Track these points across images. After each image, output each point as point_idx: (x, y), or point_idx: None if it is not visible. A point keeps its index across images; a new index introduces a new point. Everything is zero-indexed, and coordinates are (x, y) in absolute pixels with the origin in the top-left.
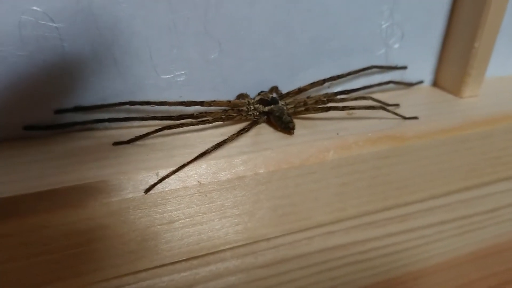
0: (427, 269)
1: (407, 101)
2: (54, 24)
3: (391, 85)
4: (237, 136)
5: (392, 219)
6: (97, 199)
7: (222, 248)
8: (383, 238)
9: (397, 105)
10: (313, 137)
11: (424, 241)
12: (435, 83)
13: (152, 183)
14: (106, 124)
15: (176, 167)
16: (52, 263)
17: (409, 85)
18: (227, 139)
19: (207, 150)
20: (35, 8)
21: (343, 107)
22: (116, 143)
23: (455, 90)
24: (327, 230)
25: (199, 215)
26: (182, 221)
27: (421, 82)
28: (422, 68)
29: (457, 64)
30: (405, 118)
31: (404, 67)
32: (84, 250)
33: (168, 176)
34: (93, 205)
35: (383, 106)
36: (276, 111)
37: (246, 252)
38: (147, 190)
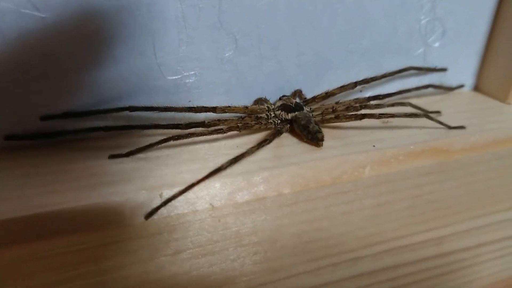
0: None
1: (448, 108)
2: (39, 14)
3: (429, 90)
4: (258, 149)
5: (428, 241)
6: (89, 227)
7: (237, 281)
8: (416, 263)
9: (438, 112)
10: (346, 150)
11: (462, 265)
12: (477, 88)
13: (155, 206)
14: (102, 133)
15: (184, 187)
16: None
17: (449, 89)
18: (245, 152)
19: (222, 166)
20: None
21: (380, 114)
22: (112, 156)
23: (501, 95)
24: (354, 255)
25: (211, 244)
26: (191, 251)
27: (461, 86)
28: (462, 70)
29: (504, 66)
30: (450, 127)
31: (444, 69)
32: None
33: (174, 197)
34: (83, 234)
35: (427, 113)
36: (302, 118)
37: (264, 282)
38: (148, 215)
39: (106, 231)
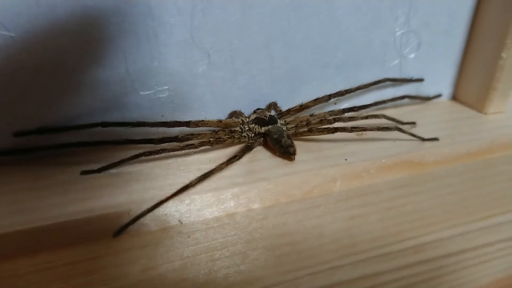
0: None
1: (424, 118)
2: (8, 33)
3: (405, 100)
4: (227, 165)
5: (407, 249)
6: (57, 245)
7: None
8: (394, 271)
9: (413, 123)
10: (318, 163)
11: (440, 272)
12: (455, 97)
13: (123, 224)
14: (75, 149)
15: (152, 204)
16: None
17: (426, 99)
18: (214, 169)
19: (190, 183)
20: None
21: (352, 128)
22: (84, 172)
23: (478, 105)
24: (331, 265)
25: (182, 259)
26: (162, 267)
27: (439, 96)
28: (440, 80)
29: (481, 76)
30: (423, 139)
31: (420, 80)
32: None
33: (142, 215)
34: (52, 252)
35: (398, 126)
36: (274, 132)
37: None
38: (117, 233)
39: (75, 249)
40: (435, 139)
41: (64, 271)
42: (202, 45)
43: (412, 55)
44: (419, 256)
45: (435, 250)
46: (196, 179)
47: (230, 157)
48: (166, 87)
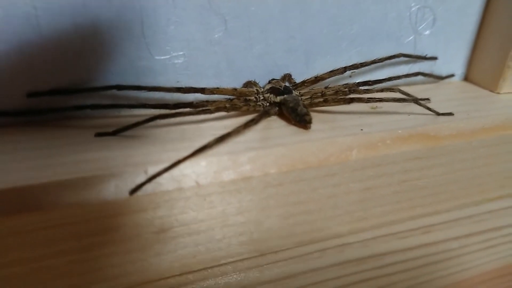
0: (450, 285)
1: (437, 96)
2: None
3: (419, 78)
4: (244, 128)
5: (415, 230)
6: (70, 201)
7: (223, 262)
8: (403, 252)
9: (427, 99)
10: (333, 133)
11: (448, 256)
12: (466, 78)
13: (139, 182)
14: (88, 111)
15: (170, 164)
16: (9, 279)
17: (439, 78)
18: (232, 131)
19: (208, 143)
20: None
21: (368, 98)
22: (98, 134)
23: (491, 85)
24: (342, 241)
25: (196, 223)
26: (176, 229)
27: (452, 75)
28: (453, 59)
29: (495, 55)
30: (438, 114)
31: (434, 58)
32: (51, 264)
33: (159, 174)
34: (64, 208)
35: (416, 99)
36: (290, 101)
37: (250, 266)
38: (133, 191)
39: (89, 207)
40: (450, 114)
41: (78, 229)
42: (219, 11)
43: (427, 32)
44: (426, 237)
45: (443, 232)
46: (213, 140)
47: (248, 120)
48: (181, 53)
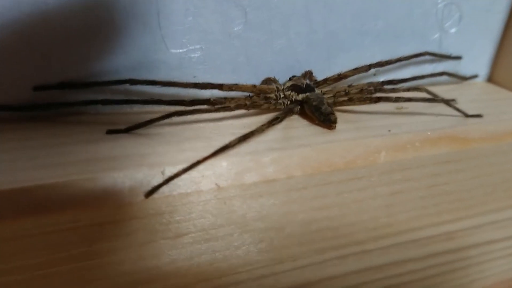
0: None
1: (461, 97)
2: None
3: (442, 78)
4: (268, 127)
5: (438, 236)
6: (82, 204)
7: (240, 270)
8: (426, 259)
9: (453, 100)
10: (360, 133)
11: (469, 262)
12: (490, 79)
13: (155, 184)
14: (99, 107)
15: (188, 165)
16: (15, 285)
17: (463, 78)
18: (254, 130)
19: (229, 143)
20: None
21: (396, 98)
22: (110, 131)
23: None
24: (363, 248)
25: (215, 228)
26: (193, 235)
27: (475, 76)
28: (477, 59)
29: None
30: (467, 115)
31: (458, 58)
32: (58, 271)
33: (177, 175)
34: (75, 211)
35: (444, 100)
36: (314, 99)
37: (265, 273)
38: (149, 193)
39: (101, 209)
40: (479, 115)
41: (88, 233)
42: (239, 1)
43: (453, 30)
44: (449, 244)
45: (465, 238)
46: (235, 140)
47: (271, 119)
48: (198, 46)
